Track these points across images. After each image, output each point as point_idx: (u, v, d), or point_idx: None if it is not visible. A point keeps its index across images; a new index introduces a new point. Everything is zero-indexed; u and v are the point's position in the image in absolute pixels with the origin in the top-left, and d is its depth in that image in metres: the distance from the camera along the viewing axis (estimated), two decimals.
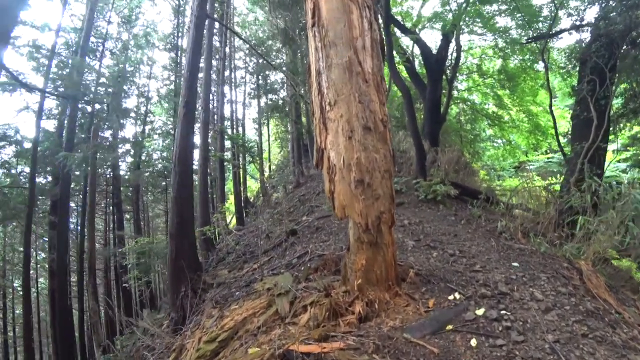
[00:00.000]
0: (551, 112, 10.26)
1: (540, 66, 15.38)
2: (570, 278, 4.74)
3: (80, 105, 11.49)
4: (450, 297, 4.30)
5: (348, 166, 4.22)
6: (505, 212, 7.81)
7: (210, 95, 16.73)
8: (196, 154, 11.09)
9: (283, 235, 8.24)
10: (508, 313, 3.87)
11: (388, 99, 16.66)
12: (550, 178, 15.77)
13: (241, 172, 15.88)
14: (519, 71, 15.34)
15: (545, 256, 5.47)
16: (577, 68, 12.03)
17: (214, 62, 15.77)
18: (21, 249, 17.43)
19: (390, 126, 4.48)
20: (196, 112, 8.34)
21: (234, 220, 14.91)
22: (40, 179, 13.15)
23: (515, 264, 5.17)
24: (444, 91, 13.77)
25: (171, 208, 6.59)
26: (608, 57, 8.67)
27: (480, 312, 3.92)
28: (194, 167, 10.90)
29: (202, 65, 10.70)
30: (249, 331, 4.64)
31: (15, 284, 17.32)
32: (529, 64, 14.94)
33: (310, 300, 4.72)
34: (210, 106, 15.07)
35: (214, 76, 16.55)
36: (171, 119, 15.94)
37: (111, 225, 16.56)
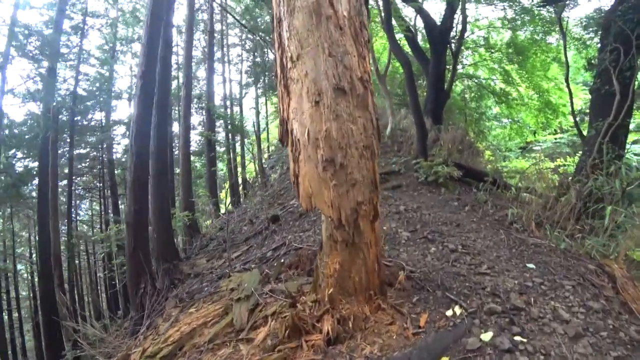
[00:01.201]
0: (567, 84, 8.82)
1: (553, 38, 13.72)
2: (601, 287, 3.57)
3: (59, 85, 10.43)
4: (449, 313, 3.18)
5: (314, 141, 3.05)
6: (515, 197, 6.57)
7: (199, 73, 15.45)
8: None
9: (266, 221, 7.16)
10: (524, 340, 2.75)
11: (388, 74, 15.14)
12: (559, 159, 14.30)
13: (232, 154, 14.76)
14: (529, 44, 13.69)
15: (566, 255, 4.29)
16: (595, 39, 10.40)
17: (201, 37, 14.47)
18: (23, 233, 16.78)
19: (372, 87, 3.26)
20: (171, 89, 7.10)
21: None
22: (29, 163, 12.20)
23: (531, 265, 4.01)
24: (448, 66, 12.30)
25: (127, 194, 5.52)
26: (636, 22, 7.15)
27: (487, 337, 2.80)
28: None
29: (183, 39, 9.41)
30: (196, 347, 3.64)
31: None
32: (540, 35, 13.28)
33: (272, 310, 3.68)
34: (197, 84, 13.87)
35: (199, 53, 15.24)
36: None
37: (110, 209, 15.71)
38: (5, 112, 10.93)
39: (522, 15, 13.03)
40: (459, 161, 8.70)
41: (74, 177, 13.56)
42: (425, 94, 12.39)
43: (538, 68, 14.12)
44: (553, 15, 12.75)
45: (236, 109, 17.67)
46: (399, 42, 10.17)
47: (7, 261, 11.62)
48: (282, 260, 4.88)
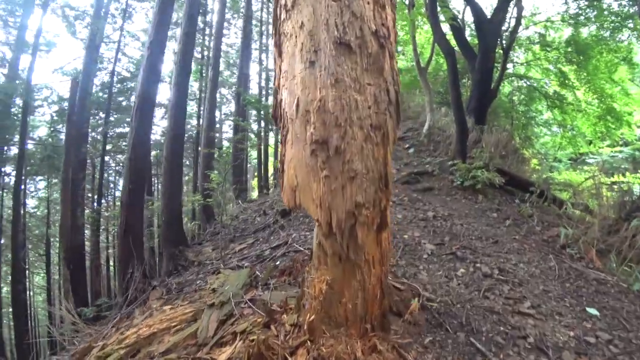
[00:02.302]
0: None
1: (624, 35, 11.65)
2: None
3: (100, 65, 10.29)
4: None
5: (304, 115, 2.15)
6: (567, 214, 5.26)
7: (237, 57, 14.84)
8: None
9: (277, 214, 6.36)
10: None
11: (431, 71, 13.70)
12: (617, 175, 12.20)
13: (264, 142, 14.14)
14: (593, 42, 11.69)
15: None
16: None
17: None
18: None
19: (394, 48, 2.27)
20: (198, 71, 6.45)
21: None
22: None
23: (593, 310, 2.86)
24: (496, 64, 10.73)
25: (124, 172, 4.93)
26: None
27: None
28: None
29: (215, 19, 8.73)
30: (150, 356, 2.89)
31: None
32: (608, 32, 11.29)
33: (243, 327, 2.84)
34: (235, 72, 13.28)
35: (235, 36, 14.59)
36: (196, 83, 14.38)
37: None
38: (55, 89, 11.00)
39: (588, 10, 11.13)
40: (502, 167, 7.37)
41: (113, 154, 13.67)
42: (469, 92, 10.93)
43: (602, 70, 12.08)
44: (626, 9, 10.76)
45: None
46: (444, 32, 8.85)
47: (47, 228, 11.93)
48: (277, 263, 4.04)
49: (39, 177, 11.95)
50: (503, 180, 6.46)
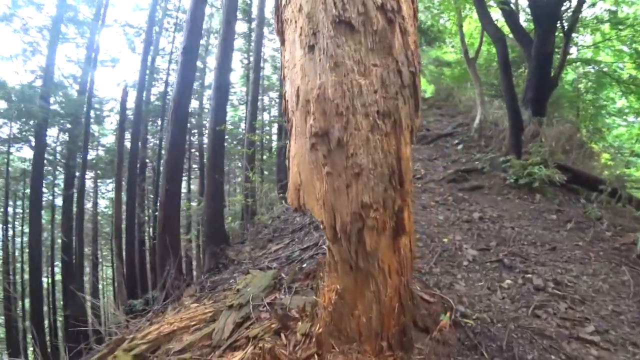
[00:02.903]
0: None
1: None
2: None
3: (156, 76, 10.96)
4: None
5: (304, 105, 1.90)
6: None
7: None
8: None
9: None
10: None
11: (483, 63, 12.52)
12: None
13: None
14: None
15: None
16: None
17: None
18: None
19: (407, 24, 1.92)
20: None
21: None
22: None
23: None
24: (556, 49, 9.44)
25: (162, 174, 5.06)
26: None
27: None
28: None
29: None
30: (167, 353, 2.84)
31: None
32: None
33: (256, 332, 2.66)
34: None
35: None
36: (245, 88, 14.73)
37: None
38: (119, 100, 11.97)
39: None
40: (565, 163, 6.41)
41: None
42: (525, 81, 9.77)
43: None
44: None
45: None
46: (491, 17, 7.96)
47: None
48: (304, 265, 3.82)
49: (109, 180, 13.19)
50: (565, 177, 5.60)
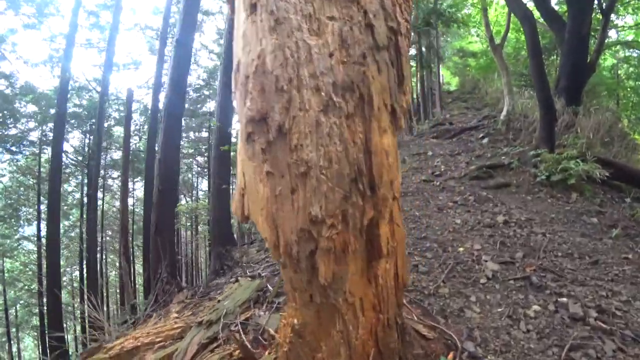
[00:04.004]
0: None
1: None
2: None
3: None
4: None
5: (244, 83, 1.33)
6: None
7: None
8: None
9: None
10: None
11: (513, 52, 11.29)
12: None
13: None
14: None
15: None
16: None
17: None
18: None
19: None
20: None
21: None
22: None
23: None
24: (592, 34, 8.19)
25: (156, 174, 4.69)
26: None
27: None
28: None
29: None
30: None
31: None
32: None
33: (218, 357, 2.17)
34: None
35: None
36: None
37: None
38: (142, 101, 11.99)
39: None
40: (605, 156, 5.43)
41: (196, 157, 14.64)
42: (558, 68, 8.60)
43: None
44: None
45: None
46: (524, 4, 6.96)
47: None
48: None
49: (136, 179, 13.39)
50: (607, 172, 4.66)
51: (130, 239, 7.94)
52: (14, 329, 10.74)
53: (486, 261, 2.97)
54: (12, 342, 10.33)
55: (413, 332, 1.90)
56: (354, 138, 1.21)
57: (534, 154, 5.67)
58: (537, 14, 9.02)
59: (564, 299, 2.30)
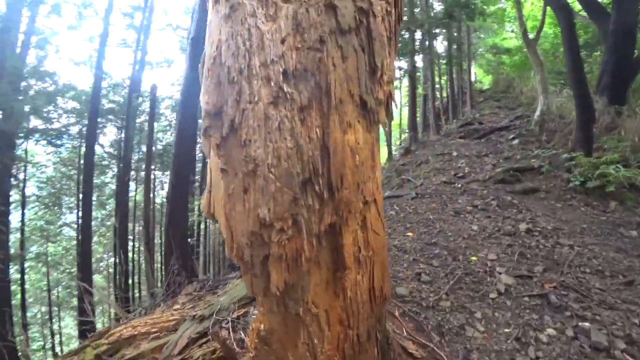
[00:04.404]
0: None
1: None
2: None
3: None
4: None
5: (207, 75, 1.21)
6: None
7: None
8: None
9: None
10: None
11: (550, 48, 10.40)
12: None
13: None
14: None
15: None
16: None
17: None
18: None
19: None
20: None
21: None
22: None
23: None
24: None
25: (171, 168, 4.71)
26: None
27: None
28: None
29: None
30: (123, 357, 2.45)
31: None
32: None
33: (198, 355, 2.11)
34: None
35: None
36: None
37: None
38: (174, 99, 12.32)
39: None
40: None
41: None
42: (600, 67, 7.76)
43: None
44: None
45: None
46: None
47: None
48: None
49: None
50: None
51: (152, 230, 8.22)
52: (55, 308, 11.55)
53: (500, 273, 2.66)
54: (53, 320, 11.13)
55: (399, 349, 1.69)
56: (309, 133, 1.04)
57: (568, 157, 5.14)
58: (578, 6, 8.25)
59: (587, 324, 1.98)
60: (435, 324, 2.00)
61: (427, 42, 10.06)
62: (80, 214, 10.20)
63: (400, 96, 18.36)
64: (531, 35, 7.50)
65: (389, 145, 15.90)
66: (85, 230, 7.35)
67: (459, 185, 5.63)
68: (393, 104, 1.37)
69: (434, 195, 5.24)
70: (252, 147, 1.04)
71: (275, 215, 1.04)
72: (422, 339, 1.80)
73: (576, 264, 2.79)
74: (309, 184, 1.06)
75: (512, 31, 12.69)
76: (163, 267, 5.66)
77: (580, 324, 1.99)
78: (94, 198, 12.07)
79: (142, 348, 2.55)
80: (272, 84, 1.04)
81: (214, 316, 2.54)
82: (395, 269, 2.69)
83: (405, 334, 1.80)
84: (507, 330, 1.99)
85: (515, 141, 7.28)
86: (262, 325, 1.41)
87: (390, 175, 9.04)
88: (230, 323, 2.44)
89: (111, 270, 12.61)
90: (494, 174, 5.86)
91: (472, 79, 13.87)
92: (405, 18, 8.46)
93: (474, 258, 3.00)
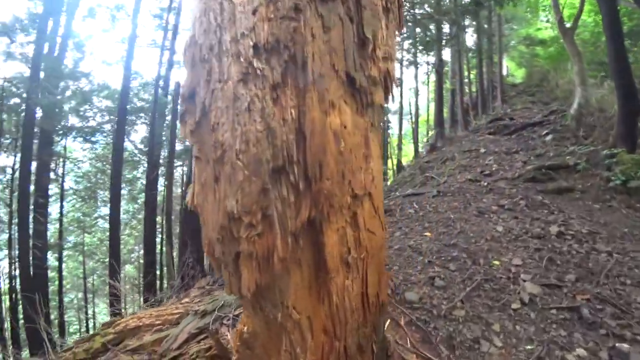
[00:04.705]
0: None
1: None
2: None
3: None
4: None
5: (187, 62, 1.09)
6: None
7: None
8: None
9: None
10: None
11: (590, 38, 9.51)
12: None
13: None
14: None
15: None
16: None
17: None
18: None
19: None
20: None
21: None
22: None
23: None
24: None
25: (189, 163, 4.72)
26: None
27: None
28: None
29: None
30: (121, 349, 2.46)
31: None
32: None
33: (193, 352, 2.04)
34: None
35: None
36: None
37: None
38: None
39: None
40: None
41: None
42: None
43: None
44: None
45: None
46: None
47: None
48: None
49: None
50: None
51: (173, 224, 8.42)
52: (90, 295, 12.20)
53: (525, 281, 2.39)
54: (88, 306, 11.76)
55: None
56: (283, 114, 0.89)
57: (608, 154, 4.65)
58: None
59: (625, 346, 1.69)
60: (445, 335, 1.79)
61: (454, 34, 9.55)
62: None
63: (428, 91, 17.74)
64: (568, 24, 6.88)
65: (416, 141, 15.46)
66: (114, 222, 7.62)
67: (485, 184, 5.25)
68: (394, 84, 1.19)
69: (457, 194, 4.92)
70: (220, 131, 0.91)
71: (243, 208, 0.90)
72: (428, 352, 1.60)
73: (614, 274, 2.45)
74: (283, 173, 0.91)
75: (548, 21, 11.77)
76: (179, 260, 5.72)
77: (617, 344, 1.71)
78: (125, 192, 12.63)
79: (144, 340, 2.54)
80: (242, 59, 0.90)
81: (216, 312, 2.47)
82: (407, 272, 2.48)
83: (409, 345, 1.61)
84: (528, 347, 1.75)
85: (549, 137, 6.72)
86: (245, 328, 1.29)
87: (414, 173, 8.70)
88: (231, 320, 2.36)
89: (141, 261, 13.17)
90: (524, 171, 5.42)
91: (504, 72, 13.07)
92: (429, 9, 8.02)
93: (496, 262, 2.73)
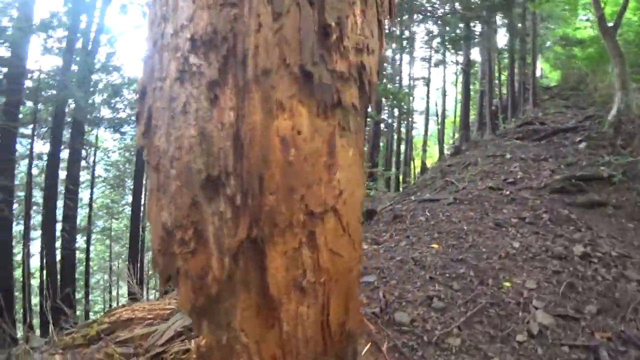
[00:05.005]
0: None
1: None
2: None
3: None
4: None
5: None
6: None
7: None
8: None
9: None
10: None
11: (620, 26, 8.71)
12: None
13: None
14: None
15: None
16: None
17: None
18: None
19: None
20: None
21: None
22: None
23: None
24: None
25: None
26: None
27: None
28: None
29: None
30: (113, 340, 2.45)
31: None
32: None
33: (174, 351, 1.99)
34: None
35: None
36: None
37: None
38: None
39: None
40: None
41: None
42: None
43: None
44: None
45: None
46: None
47: None
48: None
49: None
50: None
51: None
52: (115, 277, 12.79)
53: (537, 308, 2.12)
54: (112, 287, 12.34)
55: None
56: (220, 118, 0.75)
57: None
58: None
59: None
60: None
61: (484, 32, 9.03)
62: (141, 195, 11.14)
63: (456, 92, 17.04)
64: (610, 23, 6.26)
65: (441, 143, 14.94)
66: (135, 209, 7.87)
67: (507, 192, 4.89)
68: (372, 81, 1.02)
69: (474, 202, 4.60)
70: (157, 135, 0.79)
71: (176, 222, 0.78)
72: None
73: None
74: (220, 185, 0.78)
75: (587, 20, 10.87)
76: None
77: None
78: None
79: (134, 332, 2.52)
80: (179, 55, 0.77)
81: None
82: (404, 287, 2.28)
83: None
84: None
85: (582, 144, 6.19)
86: (203, 341, 1.18)
87: (434, 177, 8.36)
88: None
89: None
90: (551, 181, 5.02)
91: (537, 74, 12.26)
92: (457, 5, 7.58)
93: (507, 284, 2.46)
